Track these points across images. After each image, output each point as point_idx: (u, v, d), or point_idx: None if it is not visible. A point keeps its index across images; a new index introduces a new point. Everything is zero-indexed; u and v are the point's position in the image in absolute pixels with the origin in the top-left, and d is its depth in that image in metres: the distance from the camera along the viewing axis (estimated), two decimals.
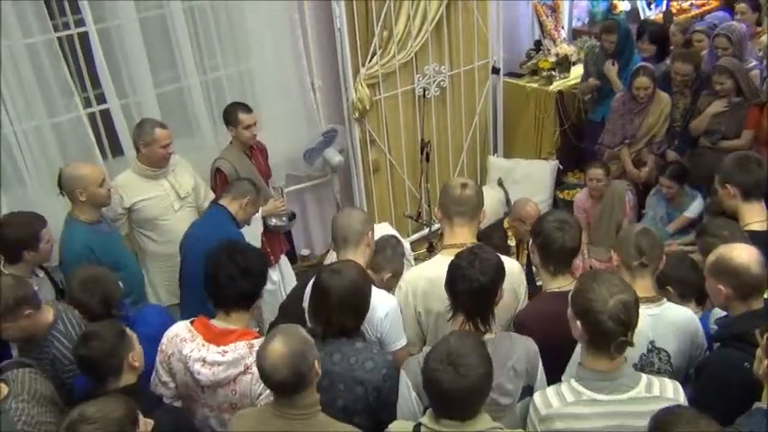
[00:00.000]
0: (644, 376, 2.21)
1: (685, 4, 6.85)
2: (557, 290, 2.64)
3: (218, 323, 2.59)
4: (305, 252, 5.57)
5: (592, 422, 2.14)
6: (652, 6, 6.91)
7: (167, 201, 3.95)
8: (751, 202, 3.06)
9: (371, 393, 2.45)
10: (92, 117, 4.27)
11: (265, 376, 2.14)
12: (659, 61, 5.20)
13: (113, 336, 2.44)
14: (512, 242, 4.41)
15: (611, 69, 5.24)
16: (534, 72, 6.07)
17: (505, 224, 4.50)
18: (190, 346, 2.55)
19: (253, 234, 4.10)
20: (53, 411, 2.54)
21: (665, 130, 4.92)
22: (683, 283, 2.95)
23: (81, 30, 4.05)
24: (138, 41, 4.19)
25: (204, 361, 2.51)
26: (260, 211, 4.06)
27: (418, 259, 4.61)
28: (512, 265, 2.79)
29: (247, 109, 4.15)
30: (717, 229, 2.89)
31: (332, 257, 3.16)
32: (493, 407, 2.25)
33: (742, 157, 3.21)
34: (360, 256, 2.79)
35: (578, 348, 2.40)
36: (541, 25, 6.23)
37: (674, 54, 5.02)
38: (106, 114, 4.30)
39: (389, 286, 3.07)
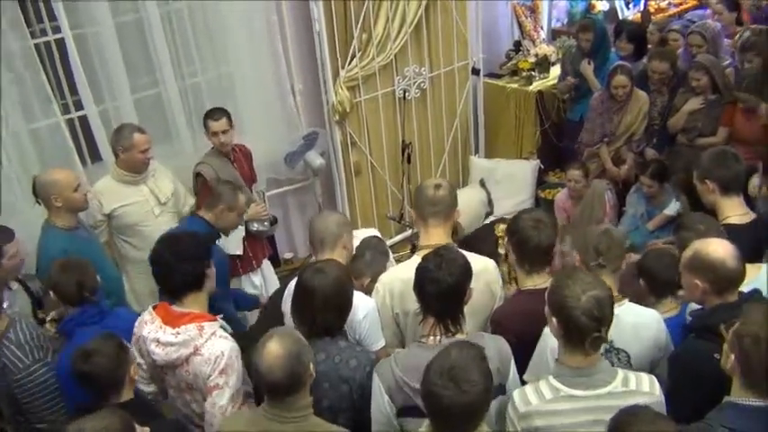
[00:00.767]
0: (620, 371, 2.23)
1: (663, 4, 6.87)
2: (532, 288, 2.66)
3: (177, 308, 2.67)
4: (288, 255, 5.56)
5: (570, 418, 2.16)
6: (630, 6, 6.95)
7: (147, 206, 3.92)
8: (730, 196, 3.09)
9: (356, 391, 2.46)
10: (70, 123, 4.24)
11: (261, 377, 2.14)
12: (637, 60, 5.24)
13: (114, 349, 2.44)
14: (502, 250, 4.38)
15: (588, 68, 5.27)
16: (514, 72, 6.11)
17: (498, 232, 4.49)
18: (148, 328, 2.65)
19: (235, 239, 4.09)
20: None
21: (644, 129, 4.96)
22: (659, 277, 2.98)
23: (58, 36, 4.03)
24: (115, 47, 4.16)
25: (158, 341, 2.60)
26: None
27: (401, 261, 4.59)
28: (486, 264, 2.81)
29: (218, 116, 4.03)
30: (693, 223, 2.93)
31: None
32: None
33: (719, 152, 3.24)
34: (336, 257, 2.78)
35: (539, 347, 2.42)
36: (521, 26, 6.25)
37: (651, 53, 5.05)
38: (85, 121, 4.27)
39: (369, 291, 3.06)
